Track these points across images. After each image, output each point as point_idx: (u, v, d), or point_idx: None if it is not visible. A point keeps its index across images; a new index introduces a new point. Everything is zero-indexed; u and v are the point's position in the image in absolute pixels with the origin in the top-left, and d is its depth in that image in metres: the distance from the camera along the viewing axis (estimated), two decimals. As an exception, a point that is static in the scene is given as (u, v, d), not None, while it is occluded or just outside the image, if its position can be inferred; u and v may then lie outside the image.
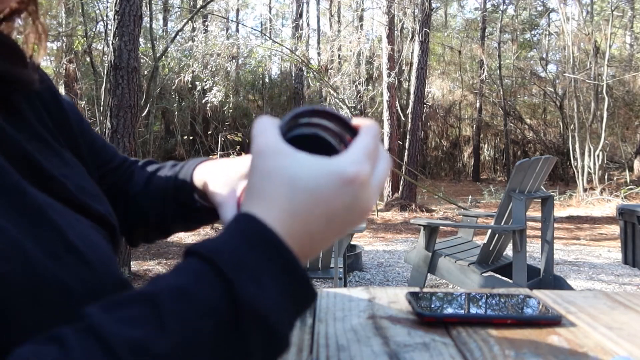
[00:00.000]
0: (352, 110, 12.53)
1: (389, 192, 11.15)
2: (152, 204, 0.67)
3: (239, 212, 0.38)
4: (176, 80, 13.08)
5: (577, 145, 12.98)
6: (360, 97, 14.28)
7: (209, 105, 13.55)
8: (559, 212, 9.72)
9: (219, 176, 0.60)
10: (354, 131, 0.42)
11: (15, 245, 0.37)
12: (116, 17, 4.78)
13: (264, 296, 0.34)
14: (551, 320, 0.67)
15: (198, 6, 11.70)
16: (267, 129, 0.40)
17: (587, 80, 13.56)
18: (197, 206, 0.64)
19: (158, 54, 8.31)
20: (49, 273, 0.38)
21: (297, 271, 0.36)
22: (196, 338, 0.32)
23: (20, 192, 0.41)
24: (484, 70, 17.31)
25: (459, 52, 19.18)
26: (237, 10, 19.50)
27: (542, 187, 4.03)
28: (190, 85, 14.54)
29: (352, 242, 5.24)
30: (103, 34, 11.36)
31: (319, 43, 18.85)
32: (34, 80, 0.51)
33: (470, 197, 12.39)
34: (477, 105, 18.70)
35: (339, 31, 17.14)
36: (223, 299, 0.33)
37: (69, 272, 0.40)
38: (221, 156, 8.76)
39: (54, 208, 0.44)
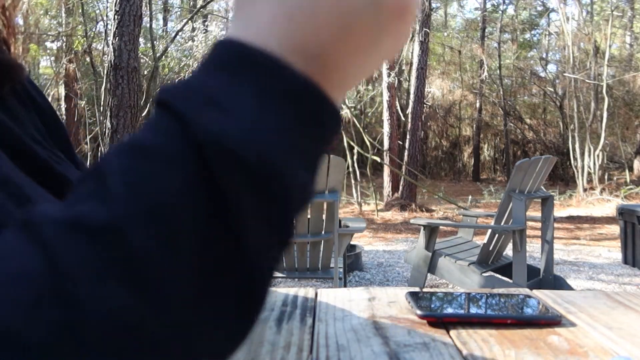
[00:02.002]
0: (352, 110, 12.54)
1: (389, 192, 11.15)
2: None
3: None
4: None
5: (577, 145, 12.99)
6: (360, 97, 14.28)
7: (209, 105, 13.52)
8: (559, 212, 9.72)
9: None
10: None
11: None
12: (116, 17, 4.78)
13: (230, 122, 0.24)
14: (551, 320, 0.67)
15: (198, 6, 11.70)
16: None
17: (587, 80, 13.57)
18: None
19: (158, 54, 8.32)
20: None
21: (287, 77, 0.25)
22: (151, 199, 0.23)
23: (17, 185, 0.41)
24: (484, 70, 17.31)
25: (459, 52, 19.18)
26: (237, 10, 19.48)
27: (542, 187, 4.04)
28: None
29: (352, 242, 5.24)
30: (103, 34, 11.36)
31: (319, 43, 18.82)
32: (21, 66, 0.51)
33: (470, 197, 12.38)
34: (477, 105, 18.69)
35: (339, 31, 17.10)
36: (179, 142, 0.24)
37: None
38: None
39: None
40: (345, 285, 3.86)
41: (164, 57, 11.40)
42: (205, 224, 0.24)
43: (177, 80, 0.27)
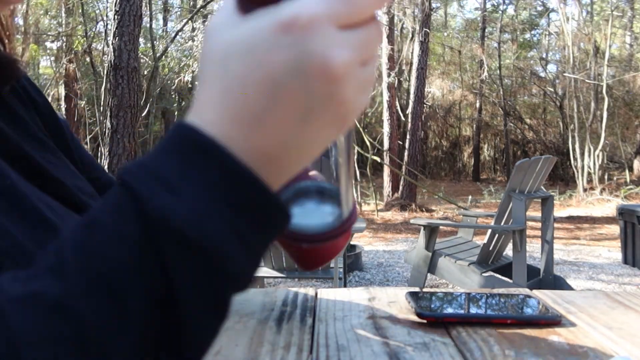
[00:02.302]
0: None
1: (389, 192, 11.15)
2: None
3: None
4: (176, 80, 13.09)
5: (577, 145, 12.99)
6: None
7: (209, 105, 13.53)
8: (559, 212, 9.72)
9: None
10: None
11: (17, 246, 0.37)
12: (116, 17, 4.78)
13: (179, 204, 0.26)
14: (551, 320, 0.67)
15: (198, 6, 11.70)
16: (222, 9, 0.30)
17: (587, 80, 13.56)
18: None
19: (158, 54, 8.32)
20: None
21: (230, 168, 0.27)
22: (102, 275, 0.25)
23: (20, 194, 0.41)
24: (484, 70, 17.30)
25: (459, 52, 19.18)
26: (237, 10, 19.47)
27: (542, 187, 4.03)
28: (190, 85, 14.55)
29: (352, 242, 5.24)
30: (103, 34, 11.37)
31: (319, 43, 18.80)
32: (18, 60, 0.51)
33: (470, 197, 12.38)
34: (477, 105, 18.69)
35: (339, 31, 17.08)
36: (132, 219, 0.26)
37: None
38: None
39: (54, 210, 0.44)
40: (345, 285, 3.86)
41: (164, 57, 11.41)
42: (150, 299, 0.26)
43: (139, 158, 0.29)
